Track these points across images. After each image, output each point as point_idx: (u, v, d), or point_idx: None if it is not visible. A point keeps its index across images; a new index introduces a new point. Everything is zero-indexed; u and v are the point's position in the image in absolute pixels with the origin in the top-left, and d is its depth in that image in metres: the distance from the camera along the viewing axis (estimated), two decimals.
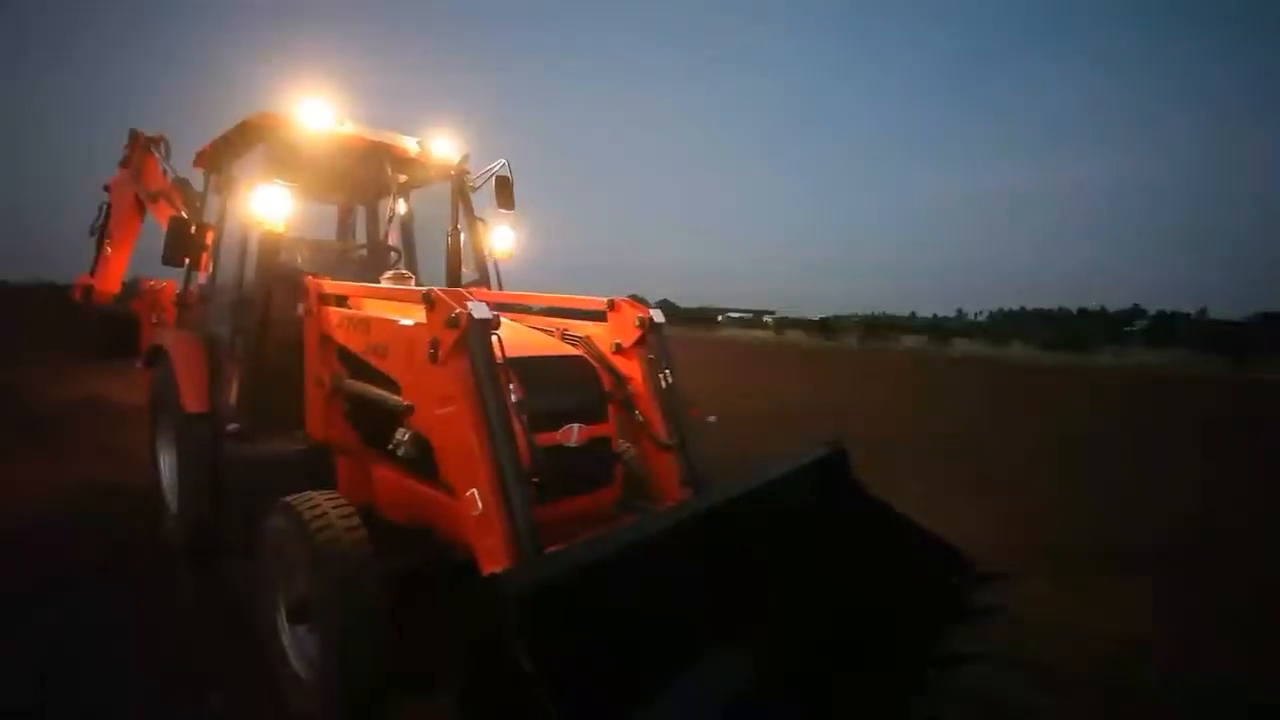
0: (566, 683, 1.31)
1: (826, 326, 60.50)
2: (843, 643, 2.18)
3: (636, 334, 2.94)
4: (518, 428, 2.15)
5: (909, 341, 48.20)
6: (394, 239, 4.40)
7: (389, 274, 3.44)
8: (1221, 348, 33.01)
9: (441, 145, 3.92)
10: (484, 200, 4.15)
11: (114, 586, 3.38)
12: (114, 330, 5.95)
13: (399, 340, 2.51)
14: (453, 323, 2.11)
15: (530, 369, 2.50)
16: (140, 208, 5.99)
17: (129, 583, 3.43)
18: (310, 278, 3.10)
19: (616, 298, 3.02)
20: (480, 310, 2.12)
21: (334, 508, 2.32)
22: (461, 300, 2.16)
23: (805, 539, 2.50)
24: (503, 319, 2.28)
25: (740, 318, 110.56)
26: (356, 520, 2.31)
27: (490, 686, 1.38)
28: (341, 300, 3.07)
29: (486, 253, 4.10)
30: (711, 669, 1.86)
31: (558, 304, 3.27)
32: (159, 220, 5.81)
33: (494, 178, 3.97)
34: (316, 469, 2.94)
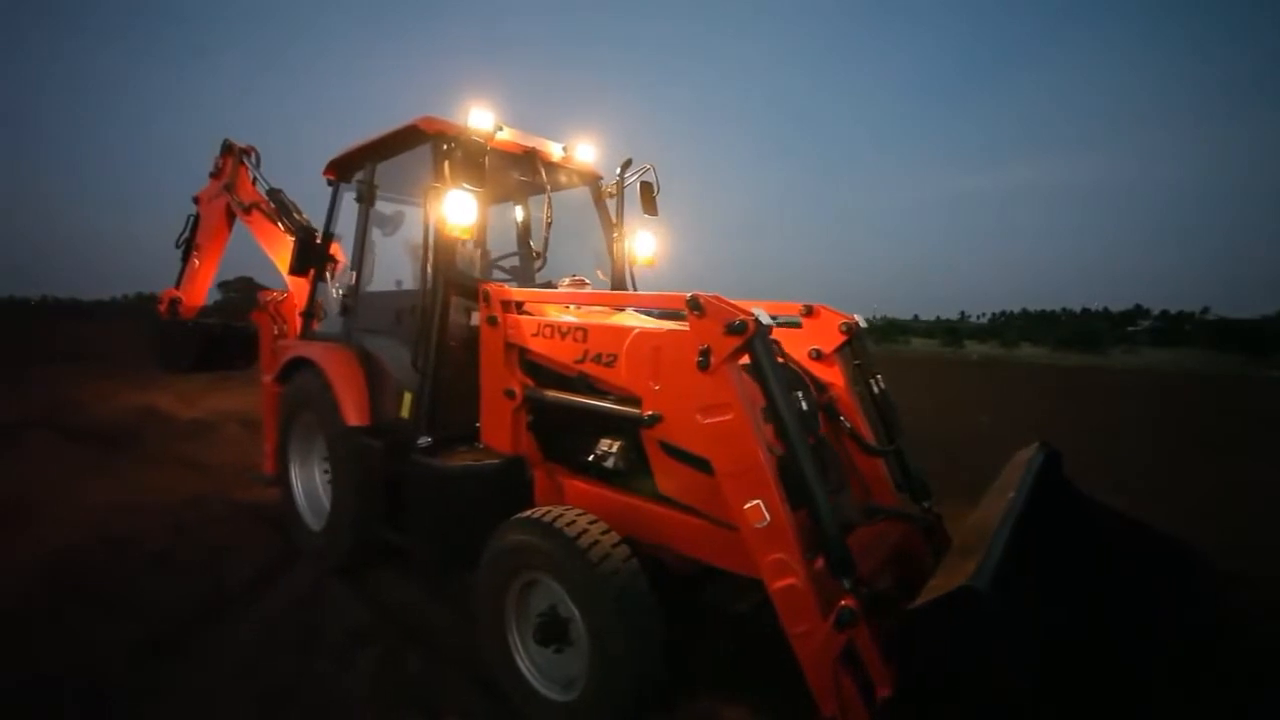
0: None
1: None
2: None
3: (839, 339, 2.88)
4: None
5: (919, 344, 48.07)
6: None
7: (567, 280, 3.37)
8: (1235, 345, 32.89)
9: (584, 150, 3.88)
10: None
11: (285, 606, 3.28)
12: (204, 343, 5.87)
13: (640, 348, 2.41)
14: (735, 329, 2.04)
15: None
16: (230, 219, 5.93)
17: (295, 601, 3.33)
18: (491, 285, 3.03)
19: (815, 303, 2.96)
20: (765, 316, 2.06)
21: (590, 524, 2.24)
22: (737, 305, 2.10)
23: (1057, 538, 2.45)
24: None
25: None
26: (617, 535, 2.23)
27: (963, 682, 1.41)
28: (520, 307, 3.01)
29: (626, 258, 4.05)
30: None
31: None
32: (251, 231, 5.75)
33: (639, 183, 3.92)
34: (510, 482, 2.86)
